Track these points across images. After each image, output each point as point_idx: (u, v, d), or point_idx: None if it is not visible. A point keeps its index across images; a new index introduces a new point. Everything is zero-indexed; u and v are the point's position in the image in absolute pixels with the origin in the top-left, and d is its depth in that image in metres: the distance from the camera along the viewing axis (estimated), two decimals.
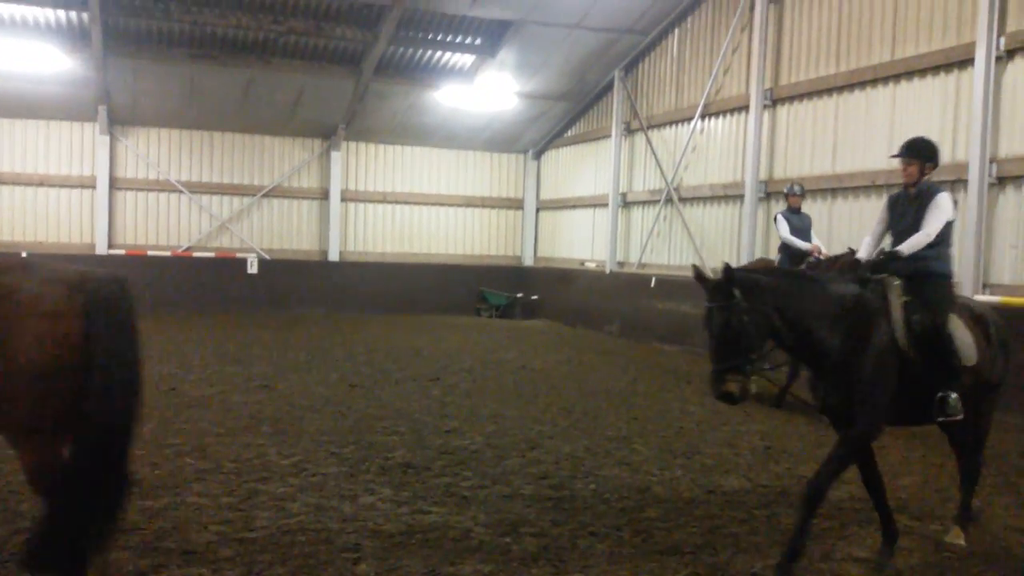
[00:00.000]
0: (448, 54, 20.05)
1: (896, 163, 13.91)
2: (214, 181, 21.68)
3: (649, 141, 19.10)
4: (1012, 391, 10.31)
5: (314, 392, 10.86)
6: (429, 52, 19.98)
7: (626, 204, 20.18)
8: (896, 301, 5.62)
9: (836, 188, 14.13)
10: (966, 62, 11.89)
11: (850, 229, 13.85)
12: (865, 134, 13.61)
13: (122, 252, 20.68)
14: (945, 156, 12.19)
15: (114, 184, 20.81)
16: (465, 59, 20.17)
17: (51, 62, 18.04)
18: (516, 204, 24.51)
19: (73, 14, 17.68)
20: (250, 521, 5.93)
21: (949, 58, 12.17)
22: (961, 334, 5.75)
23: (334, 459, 7.67)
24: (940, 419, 5.62)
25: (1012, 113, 11.38)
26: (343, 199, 22.53)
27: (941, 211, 5.94)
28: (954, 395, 5.54)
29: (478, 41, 19.58)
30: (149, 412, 9.36)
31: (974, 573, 5.49)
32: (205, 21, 18.01)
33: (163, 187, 21.23)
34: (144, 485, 6.66)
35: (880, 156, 13.28)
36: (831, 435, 9.24)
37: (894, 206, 6.23)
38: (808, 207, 14.80)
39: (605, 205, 20.69)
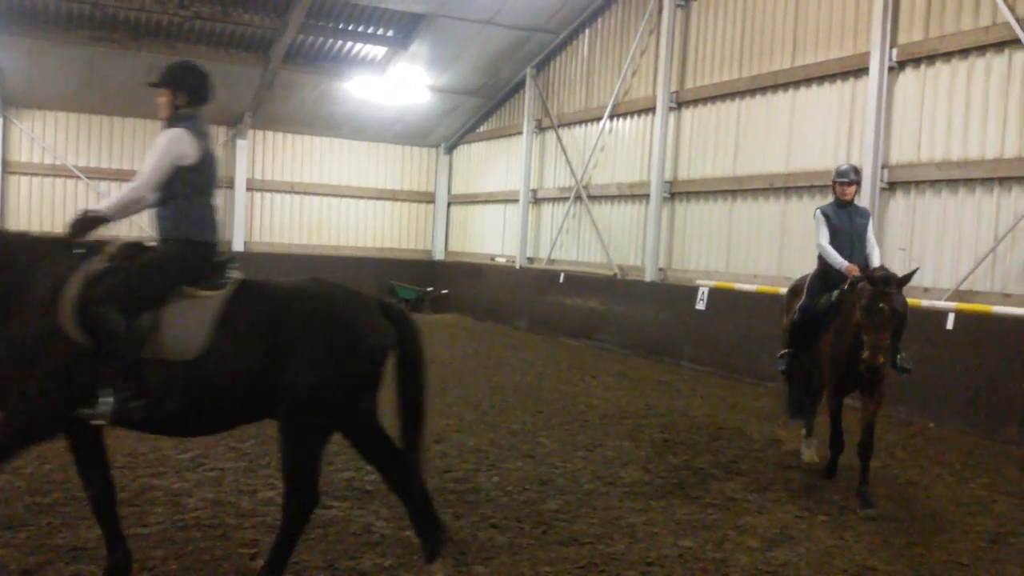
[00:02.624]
0: (359, 45, 19.83)
1: (792, 167, 14.25)
2: (113, 167, 20.93)
3: (560, 139, 19.30)
4: (904, 387, 10.82)
5: None
6: (340, 42, 19.72)
7: (536, 200, 20.35)
8: (80, 274, 4.43)
9: (737, 190, 14.54)
10: (861, 71, 12.39)
11: (748, 230, 14.31)
12: (765, 138, 14.05)
13: None
14: (841, 160, 12.74)
15: (7, 168, 19.90)
16: (377, 51, 19.99)
17: None
18: (427, 198, 24.43)
19: None
20: (143, 517, 5.80)
21: (845, 67, 12.66)
22: (169, 322, 4.46)
23: (233, 454, 7.54)
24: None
25: (903, 122, 11.91)
26: (248, 188, 22.06)
27: (162, 153, 4.66)
28: (102, 398, 4.34)
29: (390, 33, 19.43)
30: None
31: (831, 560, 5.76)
32: (107, 3, 17.37)
33: (59, 172, 20.42)
34: (32, 480, 6.45)
35: (779, 160, 13.74)
36: (736, 427, 9.56)
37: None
38: (711, 208, 15.25)
39: (516, 201, 20.82)
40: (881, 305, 6.70)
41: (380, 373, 4.79)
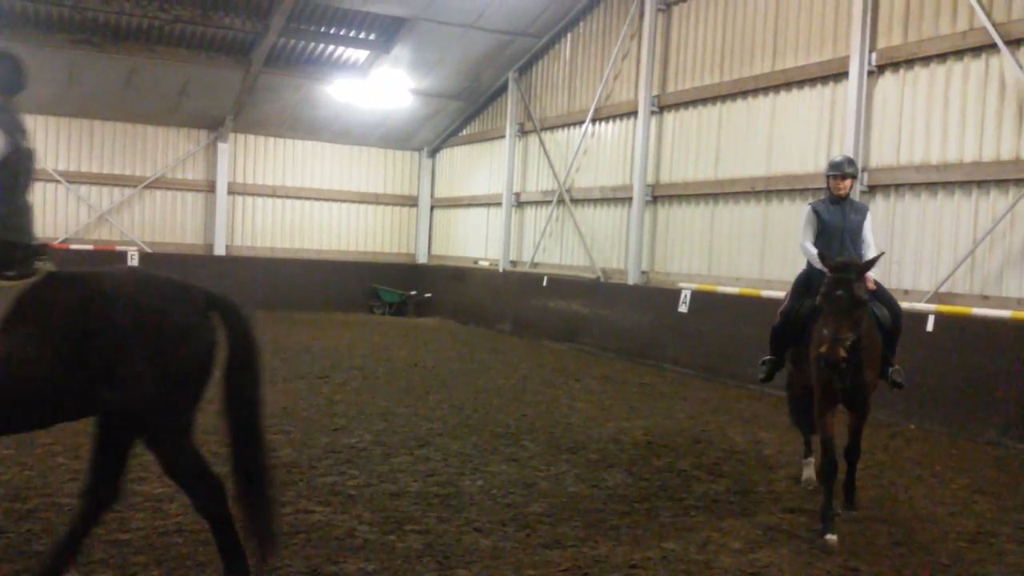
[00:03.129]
0: (341, 48, 19.79)
1: (773, 170, 14.29)
2: (93, 171, 20.82)
3: (542, 143, 19.33)
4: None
5: None
6: (321, 45, 19.68)
7: (519, 204, 20.37)
8: None
9: (718, 194, 14.60)
10: (841, 75, 12.48)
11: (730, 234, 14.37)
12: (746, 142, 14.12)
13: None
14: (821, 164, 12.82)
15: None
16: (359, 54, 19.95)
17: None
18: (411, 201, 24.41)
19: None
20: (125, 522, 5.75)
21: (825, 71, 12.75)
22: None
23: (215, 459, 7.37)
24: None
25: (882, 125, 12.00)
26: (230, 192, 21.97)
27: None
28: None
29: (372, 36, 19.41)
30: None
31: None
32: (86, 6, 17.27)
33: (39, 176, 19.99)
34: (13, 486, 6.39)
35: (760, 163, 13.82)
36: (719, 430, 9.60)
37: None
38: (693, 212, 15.31)
39: (499, 204, 20.84)
40: (839, 292, 5.93)
41: (208, 371, 4.48)
